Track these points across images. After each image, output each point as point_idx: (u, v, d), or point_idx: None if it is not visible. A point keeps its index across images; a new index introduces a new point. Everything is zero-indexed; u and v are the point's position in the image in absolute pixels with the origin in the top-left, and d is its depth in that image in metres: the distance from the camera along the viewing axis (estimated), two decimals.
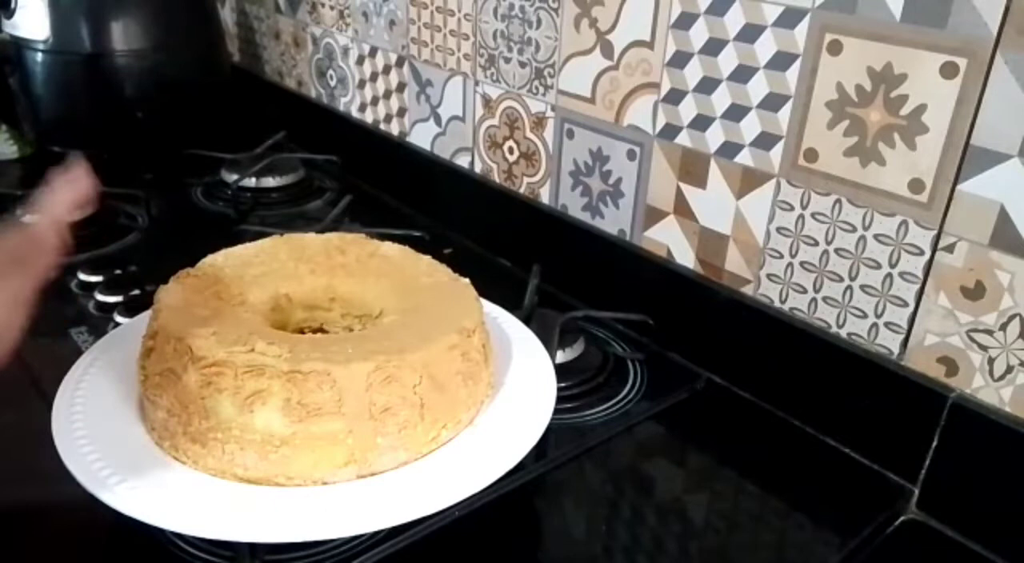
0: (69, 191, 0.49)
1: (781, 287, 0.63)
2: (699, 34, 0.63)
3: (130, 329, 0.57)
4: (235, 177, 0.98)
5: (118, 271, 0.77)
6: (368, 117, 1.06)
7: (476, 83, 0.86)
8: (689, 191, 0.68)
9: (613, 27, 0.69)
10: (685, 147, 0.67)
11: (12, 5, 1.00)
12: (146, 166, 1.04)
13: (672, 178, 0.68)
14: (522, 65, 0.79)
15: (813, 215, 0.59)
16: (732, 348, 0.66)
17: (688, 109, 0.65)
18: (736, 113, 0.62)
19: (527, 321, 0.64)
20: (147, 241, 0.88)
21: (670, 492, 0.57)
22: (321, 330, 0.58)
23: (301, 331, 0.57)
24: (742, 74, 0.61)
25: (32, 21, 1.00)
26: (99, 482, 0.44)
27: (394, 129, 1.01)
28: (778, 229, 0.62)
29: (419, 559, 0.49)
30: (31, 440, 0.50)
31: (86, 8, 1.01)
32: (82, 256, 0.82)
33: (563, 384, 0.59)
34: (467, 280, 0.57)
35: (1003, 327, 0.51)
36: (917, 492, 0.55)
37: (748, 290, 0.65)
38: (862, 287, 0.58)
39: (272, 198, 0.99)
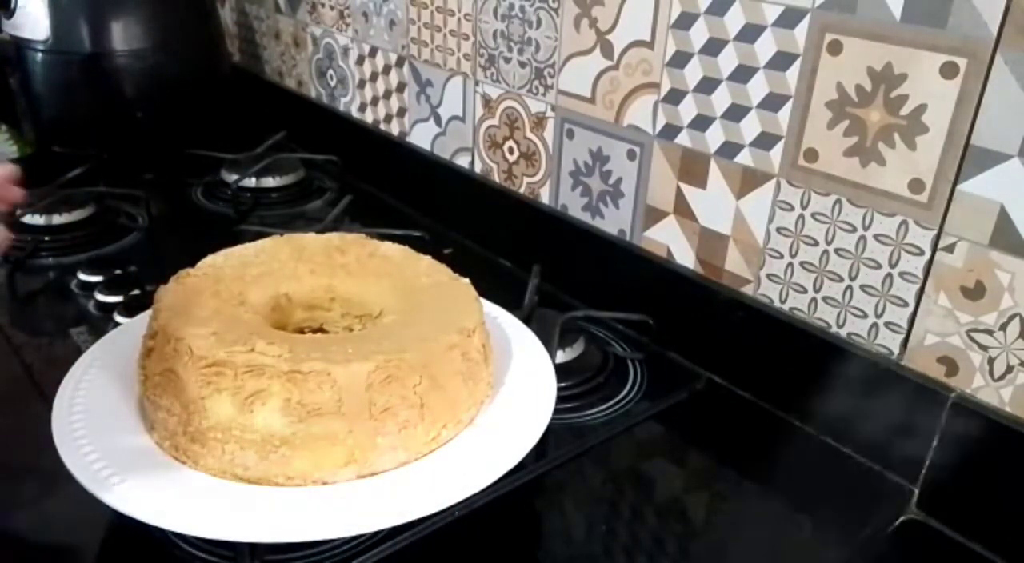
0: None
1: (781, 287, 0.63)
2: (699, 34, 0.63)
3: (130, 329, 0.57)
4: (235, 177, 0.98)
5: (118, 271, 0.77)
6: (368, 117, 1.06)
7: (476, 83, 0.86)
8: (689, 191, 0.68)
9: (613, 27, 0.69)
10: (685, 147, 0.67)
11: (12, 5, 1.00)
12: (146, 166, 1.04)
13: (672, 178, 0.68)
14: (522, 65, 0.79)
15: (813, 215, 0.59)
16: (732, 348, 0.66)
17: (688, 109, 0.65)
18: (736, 113, 0.62)
19: (527, 321, 0.64)
20: (147, 241, 0.88)
21: (670, 492, 0.57)
22: (321, 330, 0.58)
23: (301, 331, 0.57)
24: (742, 74, 0.61)
25: (32, 21, 1.00)
26: (99, 482, 0.44)
27: (394, 129, 1.01)
28: (778, 229, 0.62)
29: (419, 559, 0.49)
30: (31, 440, 0.50)
31: (86, 8, 1.01)
32: (82, 256, 0.82)
33: (563, 384, 0.59)
34: (467, 280, 0.57)
35: (1003, 327, 0.51)
36: (917, 492, 0.55)
37: (748, 290, 0.65)
38: (862, 287, 0.58)
39: (272, 198, 0.99)
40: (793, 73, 0.58)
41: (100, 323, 0.70)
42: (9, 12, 1.01)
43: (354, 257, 0.59)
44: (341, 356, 0.46)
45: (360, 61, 1.03)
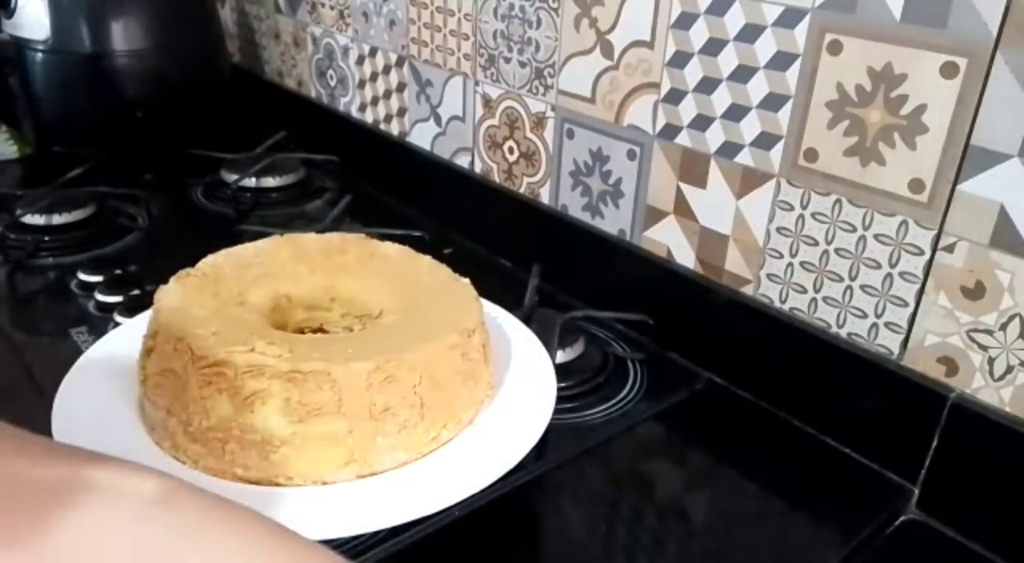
0: None
1: (781, 287, 0.63)
2: (699, 34, 0.63)
3: (130, 329, 0.57)
4: (235, 177, 0.98)
5: (118, 271, 0.76)
6: (368, 117, 1.06)
7: (476, 83, 0.86)
8: (689, 191, 0.68)
9: (613, 27, 0.69)
10: (685, 147, 0.67)
11: (12, 5, 1.00)
12: (146, 166, 1.04)
13: (672, 178, 0.68)
14: (522, 65, 0.79)
15: (813, 215, 0.59)
16: (732, 348, 0.66)
17: (688, 109, 0.65)
18: (736, 113, 0.62)
19: (527, 321, 0.64)
20: (147, 241, 0.88)
21: (670, 492, 0.57)
22: (321, 330, 0.58)
23: (301, 331, 0.57)
24: (742, 74, 0.61)
25: (32, 21, 1.00)
26: None
27: (394, 129, 1.01)
28: (778, 229, 0.62)
29: (419, 559, 0.49)
30: None
31: (86, 8, 1.01)
32: (82, 256, 0.82)
33: (563, 384, 0.59)
34: (467, 280, 0.57)
35: (1003, 327, 0.51)
36: (917, 492, 0.55)
37: (748, 290, 0.65)
38: (862, 287, 0.58)
39: (272, 198, 0.99)
40: (793, 73, 0.58)
41: (100, 323, 0.70)
42: (9, 12, 1.01)
43: (354, 257, 0.59)
44: (341, 356, 0.46)
45: (360, 61, 1.03)
